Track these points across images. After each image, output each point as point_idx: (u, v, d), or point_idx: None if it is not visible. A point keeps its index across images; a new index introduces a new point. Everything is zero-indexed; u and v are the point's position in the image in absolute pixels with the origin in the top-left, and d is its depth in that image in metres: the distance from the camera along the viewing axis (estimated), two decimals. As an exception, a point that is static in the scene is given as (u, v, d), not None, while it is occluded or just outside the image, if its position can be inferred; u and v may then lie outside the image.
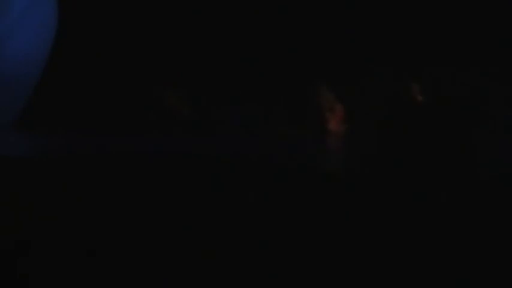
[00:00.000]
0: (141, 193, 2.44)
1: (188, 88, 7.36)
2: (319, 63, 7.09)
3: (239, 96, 7.53)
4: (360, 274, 2.17)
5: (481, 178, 2.42)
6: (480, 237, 2.18)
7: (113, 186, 2.47)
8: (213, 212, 2.35)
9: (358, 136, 5.91)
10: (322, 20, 7.21)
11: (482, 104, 6.46)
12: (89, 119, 6.61)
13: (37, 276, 2.21)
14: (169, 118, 7.16)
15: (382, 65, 7.10)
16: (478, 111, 6.09)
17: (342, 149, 4.71)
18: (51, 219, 2.36)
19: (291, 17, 7.32)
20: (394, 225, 2.25)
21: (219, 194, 2.41)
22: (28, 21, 5.99)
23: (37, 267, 2.24)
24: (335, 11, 7.17)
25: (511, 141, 5.20)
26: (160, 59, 7.35)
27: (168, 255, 2.26)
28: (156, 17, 7.31)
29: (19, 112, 5.93)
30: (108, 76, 7.23)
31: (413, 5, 6.94)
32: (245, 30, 7.36)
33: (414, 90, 6.74)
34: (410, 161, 2.50)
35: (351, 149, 4.65)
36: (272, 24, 7.33)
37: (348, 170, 3.01)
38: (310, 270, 2.20)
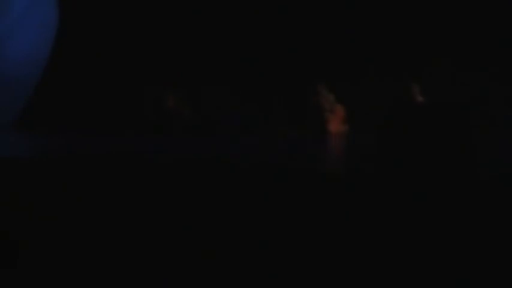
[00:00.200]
0: (141, 193, 2.44)
1: (188, 88, 7.36)
2: (319, 63, 7.09)
3: (239, 96, 7.53)
4: (360, 274, 2.17)
5: (481, 178, 2.42)
6: (480, 237, 2.18)
7: (113, 186, 2.47)
8: (213, 212, 2.35)
9: (358, 136, 5.91)
10: (322, 20, 7.21)
11: (482, 104, 6.46)
12: (89, 119, 6.62)
13: (37, 276, 2.21)
14: (169, 118, 7.16)
15: (382, 65, 7.11)
16: (478, 111, 6.09)
17: (342, 149, 4.71)
18: (51, 219, 2.36)
19: (291, 17, 7.32)
20: (394, 225, 2.25)
21: (219, 193, 2.41)
22: (28, 21, 5.99)
23: (37, 267, 2.24)
24: (335, 11, 7.17)
25: (511, 141, 5.20)
26: (160, 60, 7.35)
27: (168, 255, 2.26)
28: (156, 18, 7.31)
29: (19, 112, 5.93)
30: (108, 76, 7.23)
31: (413, 6, 6.94)
32: (245, 30, 7.36)
33: (414, 90, 6.75)
34: (410, 161, 2.50)
35: (351, 149, 4.65)
36: (272, 24, 7.34)
37: (348, 170, 3.00)
38: (310, 270, 2.20)
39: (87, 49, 6.97)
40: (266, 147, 4.59)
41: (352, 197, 2.35)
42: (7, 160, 2.74)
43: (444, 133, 2.52)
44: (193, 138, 5.50)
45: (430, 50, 6.85)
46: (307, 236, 2.27)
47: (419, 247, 2.19)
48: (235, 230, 2.31)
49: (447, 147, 2.48)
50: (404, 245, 2.21)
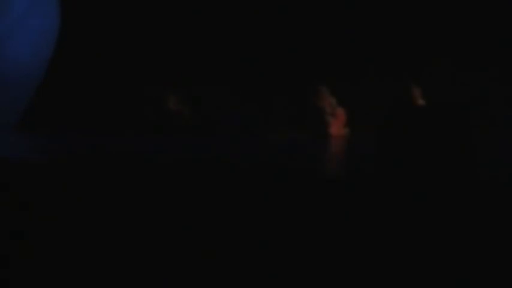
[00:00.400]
0: (141, 193, 2.44)
1: (188, 89, 7.36)
2: (319, 64, 7.10)
3: (239, 96, 7.54)
4: (360, 274, 2.17)
5: (481, 178, 2.43)
6: (480, 237, 2.18)
7: (113, 186, 2.47)
8: (213, 212, 2.35)
9: (358, 137, 5.91)
10: (322, 20, 7.22)
11: (482, 104, 6.46)
12: (89, 119, 6.62)
13: (37, 276, 2.22)
14: (169, 118, 7.17)
15: (382, 65, 7.11)
16: (478, 111, 6.09)
17: (342, 149, 4.72)
18: (51, 219, 2.36)
19: (291, 17, 7.32)
20: (394, 225, 2.25)
21: (219, 193, 2.41)
22: (29, 21, 6.00)
23: (37, 267, 2.24)
24: (335, 11, 7.18)
25: (511, 141, 5.21)
26: (160, 60, 7.35)
27: (168, 255, 2.26)
28: (157, 18, 7.32)
29: (21, 113, 5.94)
30: (108, 77, 7.24)
31: (413, 6, 6.95)
32: (245, 30, 7.37)
33: (414, 90, 6.76)
34: (410, 161, 2.51)
35: (351, 150, 4.65)
36: (272, 24, 7.34)
37: (348, 170, 3.01)
38: (310, 270, 2.20)
39: (88, 50, 6.99)
40: (266, 147, 4.60)
41: (352, 197, 2.35)
42: (7, 160, 2.74)
43: (444, 133, 2.52)
44: (193, 138, 5.51)
45: (430, 50, 6.86)
46: (307, 236, 2.27)
47: (419, 247, 2.19)
48: (235, 230, 2.31)
49: (447, 147, 2.48)
50: (405, 245, 2.21)
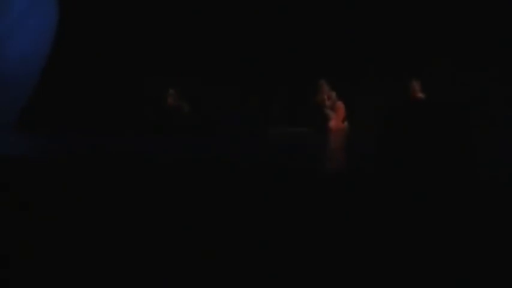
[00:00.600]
0: (141, 193, 2.44)
1: (188, 89, 7.35)
2: (319, 64, 7.10)
3: (239, 96, 7.53)
4: (360, 274, 2.17)
5: (481, 178, 2.42)
6: (480, 237, 2.18)
7: (113, 186, 2.47)
8: (213, 212, 2.35)
9: (358, 136, 5.91)
10: (322, 20, 7.21)
11: (482, 104, 6.46)
12: (89, 119, 6.61)
13: (37, 276, 2.21)
14: (169, 118, 7.16)
15: (382, 65, 7.11)
16: (478, 111, 6.09)
17: (342, 149, 4.71)
18: (51, 219, 2.36)
19: (291, 17, 7.32)
20: (394, 225, 2.25)
21: (219, 193, 2.41)
22: (28, 21, 6.00)
23: (37, 267, 2.24)
24: (335, 11, 7.18)
25: (511, 141, 5.20)
26: (160, 60, 7.34)
27: (168, 255, 2.26)
28: (157, 19, 7.31)
29: (18, 112, 5.93)
30: (108, 77, 7.23)
31: (413, 6, 6.95)
32: (245, 30, 7.36)
33: (414, 90, 6.75)
34: (410, 161, 2.50)
35: (351, 149, 4.65)
36: (272, 24, 7.34)
37: (348, 170, 3.00)
38: (310, 270, 2.20)
39: (88, 51, 6.99)
40: (266, 147, 4.59)
41: (352, 197, 2.35)
42: (7, 160, 2.75)
43: (444, 133, 2.52)
44: (193, 138, 5.51)
45: (430, 50, 6.87)
46: (307, 236, 2.27)
47: (420, 247, 2.19)
48: (235, 229, 2.31)
49: (447, 147, 2.48)
50: (405, 245, 2.21)
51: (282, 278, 2.19)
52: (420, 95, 6.40)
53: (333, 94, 6.77)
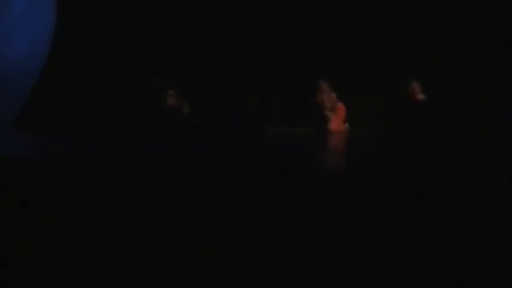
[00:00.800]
0: (141, 193, 2.44)
1: (188, 89, 7.35)
2: (320, 64, 7.09)
3: (239, 96, 7.53)
4: (360, 274, 2.17)
5: (481, 178, 2.43)
6: (480, 237, 2.18)
7: (113, 186, 2.47)
8: (213, 212, 2.35)
9: (358, 136, 5.91)
10: (322, 20, 7.21)
11: (482, 104, 6.46)
12: (89, 119, 6.61)
13: (37, 276, 2.21)
14: (169, 119, 7.16)
15: (382, 65, 7.11)
16: (478, 111, 6.09)
17: (342, 149, 4.71)
18: (51, 219, 2.36)
19: (291, 17, 7.32)
20: (394, 225, 2.25)
21: (219, 193, 2.41)
22: (28, 21, 6.00)
23: (37, 267, 2.24)
24: (335, 11, 7.18)
25: (511, 141, 5.21)
26: (160, 60, 7.34)
27: (168, 255, 2.26)
28: (157, 19, 7.31)
29: (18, 111, 5.93)
30: (108, 77, 7.22)
31: (414, 6, 6.95)
32: (245, 30, 7.36)
33: (414, 91, 6.75)
34: (410, 161, 2.50)
35: (351, 149, 4.65)
36: (272, 24, 7.34)
37: (348, 170, 3.01)
38: (310, 270, 2.20)
39: (87, 51, 6.99)
40: (266, 147, 4.59)
41: (352, 197, 2.35)
42: (7, 160, 2.75)
43: (444, 133, 2.52)
44: (193, 138, 5.51)
45: (430, 50, 6.87)
46: (307, 236, 2.27)
47: (420, 247, 2.19)
48: (235, 229, 2.31)
49: (447, 147, 2.48)
50: (405, 244, 2.21)
51: (282, 277, 2.19)
52: (420, 95, 6.40)
53: (333, 95, 6.77)
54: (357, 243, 2.24)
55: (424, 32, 6.79)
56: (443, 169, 2.43)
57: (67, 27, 6.77)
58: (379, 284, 2.15)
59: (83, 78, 6.89)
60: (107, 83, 7.05)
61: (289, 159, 3.48)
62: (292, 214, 2.33)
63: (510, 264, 2.14)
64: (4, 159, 2.74)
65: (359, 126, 6.54)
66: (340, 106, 6.73)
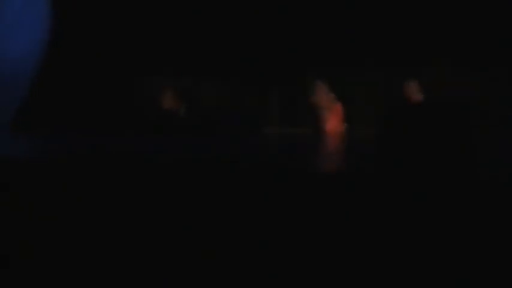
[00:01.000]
0: (141, 193, 2.44)
1: (188, 89, 7.35)
2: (320, 64, 7.09)
3: (239, 96, 7.53)
4: (360, 274, 2.17)
5: (481, 178, 2.43)
6: (480, 237, 2.18)
7: (113, 186, 2.47)
8: (213, 212, 2.35)
9: (358, 136, 5.92)
10: (321, 20, 7.22)
11: (482, 104, 6.46)
12: (88, 119, 6.62)
13: (37, 276, 2.21)
14: (169, 118, 7.16)
15: (382, 65, 7.11)
16: (478, 111, 6.09)
17: (342, 149, 4.71)
18: (51, 219, 2.36)
19: (291, 17, 7.32)
20: (394, 224, 2.25)
21: (219, 193, 2.41)
22: (23, 21, 5.99)
23: (37, 267, 2.24)
24: (335, 11, 7.18)
25: (511, 141, 5.21)
26: (160, 60, 7.35)
27: (168, 255, 2.26)
28: (157, 19, 7.32)
29: (15, 112, 5.93)
30: (107, 77, 7.23)
31: (414, 6, 6.95)
32: (245, 30, 7.36)
33: (411, 91, 6.76)
34: (410, 161, 2.50)
35: (351, 149, 4.65)
36: (272, 24, 7.34)
37: (348, 170, 3.00)
38: (310, 270, 2.20)
39: (87, 51, 6.99)
40: (266, 147, 4.59)
41: (352, 197, 2.35)
42: (7, 160, 2.74)
43: (444, 133, 2.52)
44: (193, 138, 5.51)
45: (430, 50, 6.87)
46: (307, 236, 2.27)
47: (420, 247, 2.19)
48: (235, 230, 2.31)
49: (447, 147, 2.48)
50: (405, 244, 2.21)
51: (282, 278, 2.19)
52: (417, 95, 6.40)
53: (331, 95, 6.77)
54: (357, 243, 2.24)
55: (424, 32, 6.78)
56: (443, 169, 2.43)
57: (66, 27, 6.77)
58: (379, 284, 2.15)
59: (83, 78, 6.89)
60: (104, 83, 7.05)
61: (289, 160, 3.48)
62: (293, 214, 2.33)
63: (510, 264, 2.14)
64: (4, 160, 2.74)
65: (357, 126, 6.55)
66: (338, 106, 6.74)
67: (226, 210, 2.36)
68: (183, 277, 2.21)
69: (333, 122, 6.70)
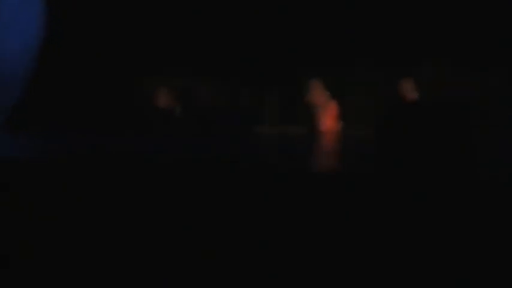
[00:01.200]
0: (141, 193, 2.44)
1: (188, 89, 7.35)
2: (320, 64, 7.09)
3: (239, 96, 7.53)
4: (360, 274, 2.17)
5: (481, 178, 2.42)
6: (480, 237, 2.18)
7: (113, 186, 2.47)
8: (213, 212, 2.35)
9: (358, 136, 5.92)
10: (321, 20, 7.21)
11: (482, 104, 6.46)
12: (88, 119, 6.62)
13: (37, 276, 2.21)
14: (169, 118, 7.16)
15: (382, 65, 7.11)
16: (478, 111, 6.10)
17: (342, 149, 4.71)
18: (51, 219, 2.36)
19: (291, 17, 7.32)
20: (394, 224, 2.25)
21: (219, 193, 2.41)
22: (18, 20, 5.99)
23: (37, 267, 2.24)
24: (335, 11, 7.18)
25: (511, 141, 5.20)
26: (159, 59, 7.35)
27: (168, 255, 2.26)
28: (156, 18, 7.31)
29: (9, 111, 5.93)
30: (107, 77, 7.23)
31: (414, 6, 6.95)
32: (245, 30, 7.36)
33: (409, 89, 6.76)
34: (410, 161, 2.50)
35: (351, 149, 4.65)
36: (272, 24, 7.34)
37: (348, 170, 3.00)
38: (310, 270, 2.20)
39: (87, 51, 6.99)
40: (266, 147, 4.59)
41: (352, 197, 2.35)
42: (7, 160, 2.74)
43: (444, 133, 2.52)
44: (193, 138, 5.51)
45: (430, 50, 6.86)
46: (307, 236, 2.27)
47: (420, 247, 2.19)
48: (235, 229, 2.31)
49: (447, 147, 2.48)
50: (405, 244, 2.21)
51: (282, 278, 2.18)
52: (413, 94, 6.40)
53: (326, 94, 6.78)
54: (357, 243, 2.24)
55: (424, 32, 6.78)
56: (443, 169, 2.43)
57: (66, 27, 6.77)
58: (379, 284, 2.15)
59: (83, 78, 6.89)
60: (106, 84, 7.04)
61: (288, 159, 3.48)
62: (292, 214, 2.33)
63: (510, 264, 2.14)
64: (4, 159, 2.74)
65: (359, 126, 6.55)
66: (333, 104, 6.75)
67: (226, 210, 2.36)
68: (183, 277, 2.21)
69: (329, 121, 6.70)
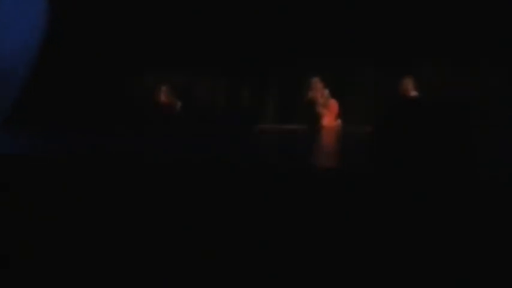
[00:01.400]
0: (141, 193, 2.44)
1: (187, 89, 7.35)
2: (320, 64, 7.09)
3: (239, 96, 7.53)
4: (360, 274, 2.17)
5: (481, 178, 2.43)
6: (480, 237, 2.18)
7: (113, 186, 2.47)
8: (213, 212, 2.35)
9: (358, 136, 5.92)
10: (321, 20, 7.22)
11: (482, 104, 6.46)
12: (88, 119, 6.61)
13: (37, 276, 2.21)
14: (169, 118, 7.16)
15: (382, 65, 7.11)
16: (478, 111, 6.10)
17: (342, 149, 4.71)
18: (51, 219, 2.36)
19: (291, 17, 7.33)
20: (394, 224, 2.25)
21: (219, 193, 2.41)
22: (18, 17, 5.99)
23: (37, 267, 2.24)
24: (335, 11, 7.19)
25: (511, 141, 5.20)
26: (159, 59, 7.34)
27: (168, 255, 2.26)
28: (156, 18, 7.32)
29: (9, 110, 5.93)
30: (107, 77, 7.22)
31: (414, 6, 6.95)
32: (246, 29, 7.37)
33: (409, 87, 6.76)
34: (410, 160, 2.50)
35: (351, 149, 4.65)
36: (272, 24, 7.34)
37: (348, 170, 3.00)
38: (310, 270, 2.20)
39: (87, 51, 6.99)
40: (266, 147, 4.59)
41: (352, 196, 2.35)
42: (7, 160, 2.74)
43: (444, 133, 2.52)
44: (193, 138, 5.51)
45: (430, 50, 6.87)
46: (307, 236, 2.27)
47: (420, 247, 2.19)
48: (235, 229, 2.31)
49: (447, 147, 2.48)
50: (405, 244, 2.21)
51: (281, 278, 2.18)
52: (413, 92, 6.41)
53: (326, 92, 6.79)
54: (357, 243, 2.24)
55: (424, 32, 6.79)
56: (443, 169, 2.43)
57: (66, 27, 6.77)
58: (379, 284, 2.15)
59: (83, 78, 6.89)
60: (106, 84, 7.05)
61: (288, 159, 3.48)
62: (292, 214, 2.33)
63: (510, 264, 2.14)
64: (4, 159, 2.74)
65: (359, 126, 6.55)
66: (333, 102, 6.76)
67: (226, 210, 2.36)
68: (183, 277, 2.21)
69: (328, 118, 6.72)
